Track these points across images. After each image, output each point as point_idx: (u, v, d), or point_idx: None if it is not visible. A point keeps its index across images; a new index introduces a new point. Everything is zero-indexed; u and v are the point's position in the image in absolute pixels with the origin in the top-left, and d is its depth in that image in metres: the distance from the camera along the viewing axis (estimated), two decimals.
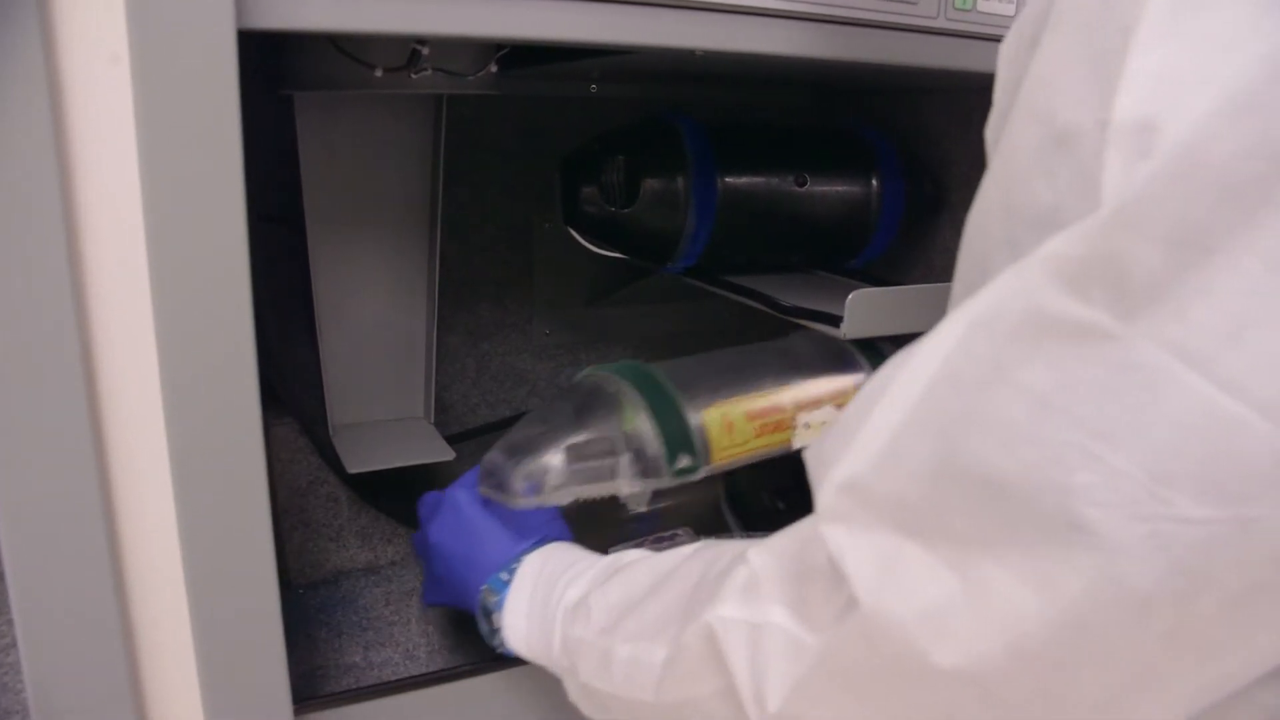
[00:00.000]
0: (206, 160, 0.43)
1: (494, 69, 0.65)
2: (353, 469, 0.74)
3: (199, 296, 0.44)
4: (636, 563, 0.52)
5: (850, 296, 0.65)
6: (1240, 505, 0.26)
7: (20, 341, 0.42)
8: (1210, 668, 0.30)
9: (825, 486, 0.35)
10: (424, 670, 0.65)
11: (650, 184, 0.79)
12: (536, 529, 0.61)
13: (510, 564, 0.59)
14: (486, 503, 0.62)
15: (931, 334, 0.33)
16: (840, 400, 0.69)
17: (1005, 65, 0.36)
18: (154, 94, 0.41)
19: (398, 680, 0.62)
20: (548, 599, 0.55)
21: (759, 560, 0.40)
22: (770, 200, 0.83)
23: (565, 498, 0.59)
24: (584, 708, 0.53)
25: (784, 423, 0.66)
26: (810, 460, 0.38)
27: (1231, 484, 0.26)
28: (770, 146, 0.86)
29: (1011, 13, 0.63)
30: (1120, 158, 0.27)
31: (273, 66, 0.64)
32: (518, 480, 0.58)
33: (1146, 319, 0.26)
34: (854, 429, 0.35)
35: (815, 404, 0.68)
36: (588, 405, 0.62)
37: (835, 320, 0.66)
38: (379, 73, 0.58)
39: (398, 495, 0.80)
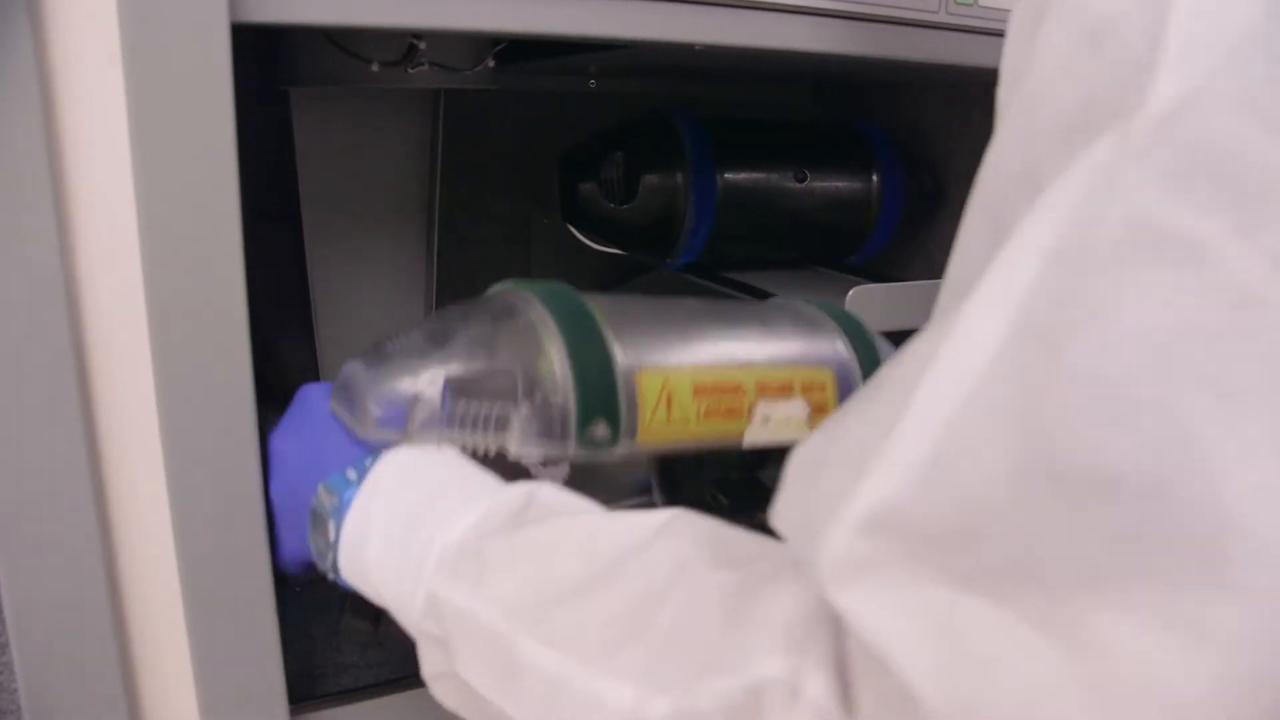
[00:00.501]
0: (200, 156, 0.42)
1: (491, 64, 0.65)
2: None
3: (192, 294, 0.44)
4: (561, 517, 0.38)
5: (850, 293, 0.64)
6: None
7: (13, 341, 0.42)
8: None
9: (834, 531, 0.24)
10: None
11: (649, 180, 0.78)
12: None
13: (363, 459, 0.43)
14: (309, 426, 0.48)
15: (981, 288, 0.23)
16: (817, 392, 0.54)
17: (1015, 25, 0.30)
18: (146, 88, 0.41)
19: (395, 679, 0.62)
20: (415, 524, 0.40)
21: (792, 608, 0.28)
22: (770, 196, 0.83)
23: (432, 441, 0.44)
24: (441, 694, 0.40)
25: (738, 410, 0.51)
26: (790, 499, 0.27)
27: None
28: (770, 142, 0.86)
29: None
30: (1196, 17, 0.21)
31: (269, 61, 0.64)
32: (374, 403, 0.43)
33: (1264, 231, 0.20)
34: (871, 438, 0.24)
35: (783, 391, 0.52)
36: (492, 329, 0.47)
37: None
38: (375, 67, 0.58)
39: None
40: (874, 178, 0.86)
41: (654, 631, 0.31)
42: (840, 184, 0.86)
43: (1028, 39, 0.27)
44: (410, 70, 0.58)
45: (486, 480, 0.42)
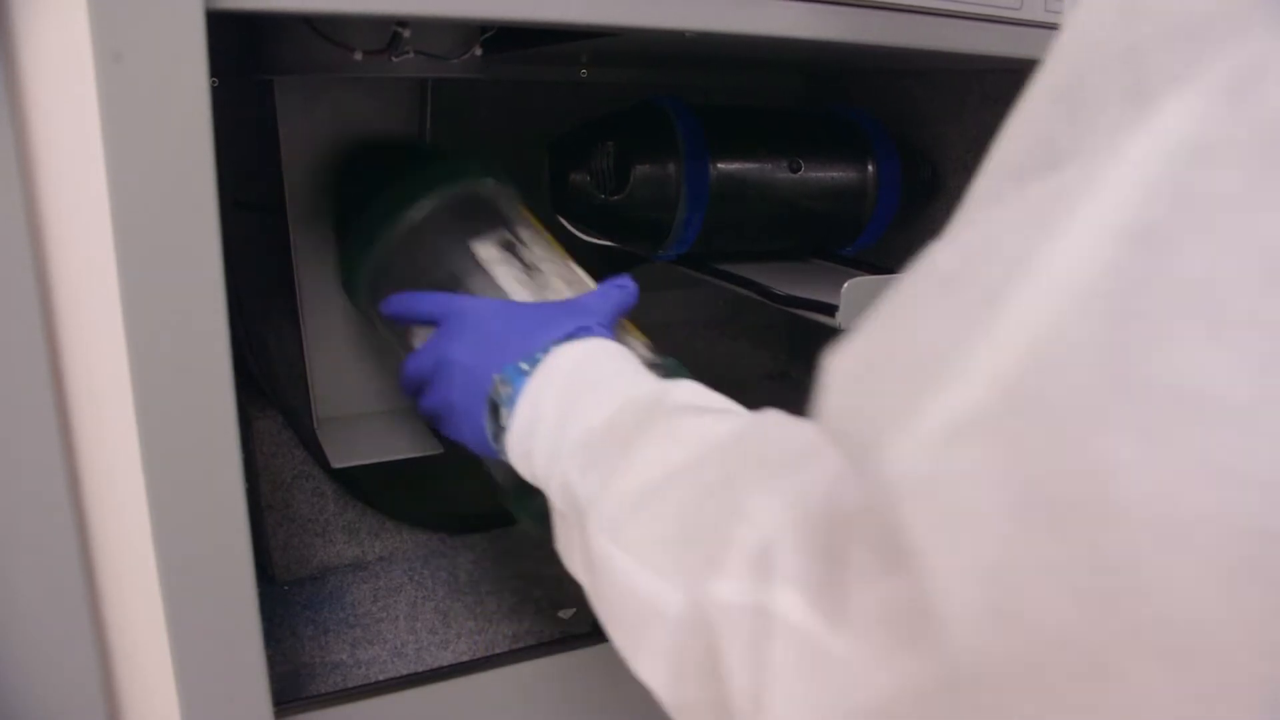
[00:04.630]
0: (175, 146, 0.41)
1: (478, 52, 0.63)
2: (337, 463, 0.73)
3: (169, 287, 0.43)
4: (673, 418, 0.39)
5: (846, 284, 0.64)
6: None
7: None
8: None
9: (905, 440, 0.22)
10: (412, 669, 0.64)
11: (641, 170, 0.77)
12: (577, 314, 0.49)
13: (535, 352, 0.46)
14: (516, 305, 0.52)
15: (1087, 193, 0.20)
16: None
17: None
18: (119, 78, 0.40)
19: (384, 680, 0.61)
20: (566, 415, 0.43)
21: (771, 519, 0.28)
22: (764, 186, 0.82)
23: None
24: (569, 567, 0.43)
25: None
26: (843, 401, 0.25)
27: None
28: (764, 131, 0.84)
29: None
30: None
31: (250, 51, 0.63)
32: None
33: None
34: (948, 342, 0.22)
35: None
36: None
37: (831, 309, 0.65)
38: (359, 56, 0.57)
39: (385, 489, 0.79)
40: (869, 167, 0.85)
41: (687, 529, 0.32)
42: (835, 173, 0.85)
43: None
44: (395, 59, 0.57)
45: (637, 376, 0.45)
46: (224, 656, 0.49)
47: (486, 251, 0.59)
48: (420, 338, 0.57)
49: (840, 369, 0.25)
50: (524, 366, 0.46)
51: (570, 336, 0.48)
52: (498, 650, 0.66)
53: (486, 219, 0.61)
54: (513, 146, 0.93)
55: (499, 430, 0.47)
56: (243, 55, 0.62)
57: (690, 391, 0.42)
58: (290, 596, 0.72)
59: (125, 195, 0.41)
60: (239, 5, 0.41)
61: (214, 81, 0.42)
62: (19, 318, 0.41)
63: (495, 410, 0.47)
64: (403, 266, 0.60)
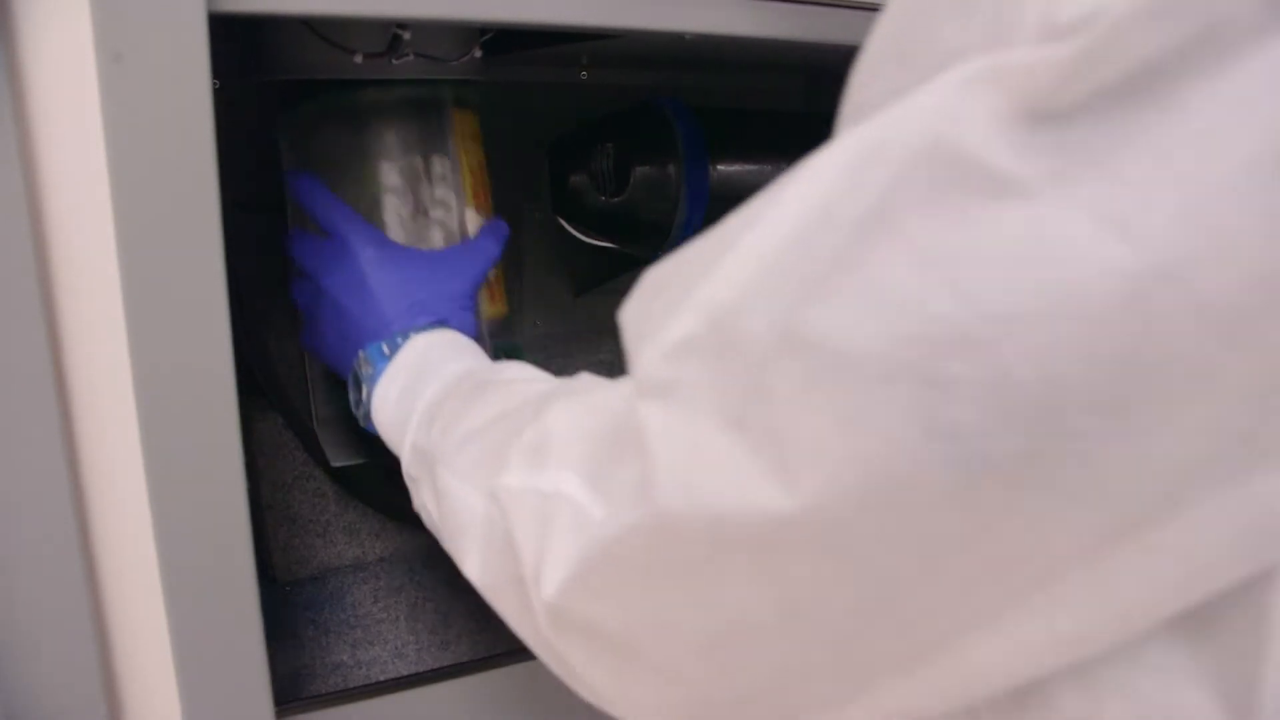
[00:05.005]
0: (177, 148, 0.41)
1: (478, 54, 0.64)
2: (336, 462, 0.73)
3: (171, 288, 0.43)
4: (509, 383, 0.47)
5: None
6: (1135, 414, 0.22)
7: None
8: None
9: (650, 348, 0.29)
10: (413, 669, 0.64)
11: (641, 172, 0.77)
12: (437, 308, 0.57)
13: (395, 336, 0.55)
14: (392, 262, 0.58)
15: (813, 159, 0.26)
16: None
17: None
18: (120, 79, 0.40)
19: (384, 681, 0.61)
20: (414, 391, 0.51)
21: (558, 422, 0.35)
22: (764, 188, 0.82)
23: None
24: (426, 522, 0.50)
25: None
26: (628, 319, 0.31)
27: (1136, 392, 0.21)
28: (764, 133, 0.85)
29: None
30: None
31: (252, 53, 0.63)
32: None
33: (1085, 183, 0.21)
34: (697, 273, 0.28)
35: None
36: None
37: None
38: (358, 59, 0.57)
39: (385, 490, 0.79)
40: None
41: (497, 446, 0.39)
42: None
43: None
44: (395, 61, 0.57)
45: (478, 357, 0.53)
46: (225, 657, 0.49)
47: (389, 177, 0.62)
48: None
49: (642, 283, 0.32)
50: (385, 350, 0.55)
51: (429, 326, 0.56)
52: (498, 651, 0.66)
53: (417, 137, 0.63)
54: (513, 148, 0.93)
55: (358, 402, 0.55)
56: (244, 58, 0.62)
57: (519, 369, 0.51)
58: (291, 597, 0.72)
59: (127, 196, 0.41)
60: (240, 7, 0.41)
61: (215, 83, 0.42)
62: (21, 318, 0.42)
63: (356, 379, 0.56)
64: (327, 141, 0.63)
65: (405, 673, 0.63)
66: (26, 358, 0.42)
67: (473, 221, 0.65)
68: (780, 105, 1.08)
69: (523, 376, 0.49)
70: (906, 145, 0.23)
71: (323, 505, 0.77)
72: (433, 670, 0.63)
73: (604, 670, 0.34)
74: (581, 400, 0.37)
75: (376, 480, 0.78)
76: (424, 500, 0.48)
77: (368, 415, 0.55)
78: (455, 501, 0.42)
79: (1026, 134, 0.22)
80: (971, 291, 0.22)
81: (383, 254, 0.58)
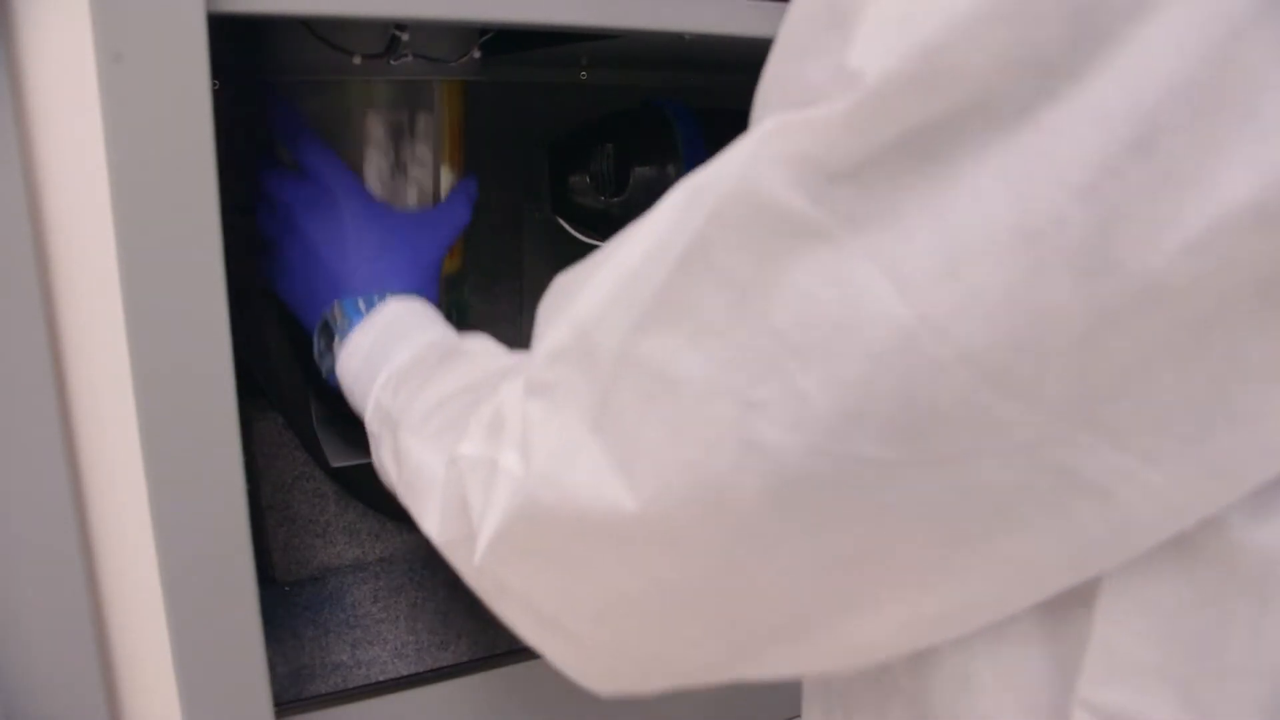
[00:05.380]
0: (177, 148, 0.41)
1: (477, 55, 0.64)
2: (336, 462, 0.73)
3: (170, 288, 0.43)
4: (473, 356, 0.50)
5: None
6: (927, 446, 0.24)
7: None
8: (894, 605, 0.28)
9: (537, 351, 0.33)
10: (413, 669, 0.64)
11: (641, 172, 0.77)
12: (412, 274, 0.59)
13: (372, 295, 0.57)
14: (375, 220, 0.59)
15: (664, 197, 0.30)
16: None
17: None
18: (120, 80, 0.40)
19: (385, 681, 0.61)
20: (384, 352, 0.53)
21: (509, 394, 0.37)
22: None
23: None
24: (382, 477, 0.53)
25: None
26: (538, 316, 0.36)
27: (922, 427, 0.24)
28: None
29: None
30: (878, 40, 0.23)
31: (251, 54, 0.63)
32: None
33: (870, 232, 0.23)
34: (573, 296, 0.32)
35: None
36: None
37: None
38: (357, 60, 0.57)
39: (385, 490, 0.79)
40: None
41: (459, 415, 0.42)
42: None
43: None
44: (393, 62, 0.57)
45: (445, 329, 0.55)
46: (225, 657, 0.49)
47: (374, 128, 0.62)
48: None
49: (551, 287, 0.35)
50: (361, 307, 0.56)
51: (404, 291, 0.58)
52: (498, 651, 0.66)
53: (405, 91, 0.63)
54: (513, 149, 0.93)
55: (324, 352, 0.57)
56: (243, 58, 0.62)
57: (482, 342, 0.53)
58: (291, 597, 0.72)
59: (127, 197, 0.41)
60: (239, 8, 0.41)
61: (215, 84, 0.42)
62: (21, 318, 0.42)
63: (325, 327, 0.57)
64: (316, 93, 0.63)
65: (405, 673, 0.63)
66: (26, 358, 0.42)
67: (446, 180, 0.66)
68: None
69: (485, 350, 0.52)
70: (720, 189, 0.26)
71: (322, 505, 0.77)
72: (433, 670, 0.63)
73: (529, 630, 0.38)
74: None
75: (376, 480, 0.78)
76: (383, 458, 0.51)
77: (331, 365, 0.57)
78: (418, 464, 0.44)
79: (825, 182, 0.24)
80: (776, 324, 0.24)
81: (367, 210, 0.59)
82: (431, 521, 0.43)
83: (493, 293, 0.98)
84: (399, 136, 0.63)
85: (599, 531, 0.30)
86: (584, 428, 0.30)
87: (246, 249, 0.60)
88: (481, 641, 0.68)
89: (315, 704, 0.57)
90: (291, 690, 0.60)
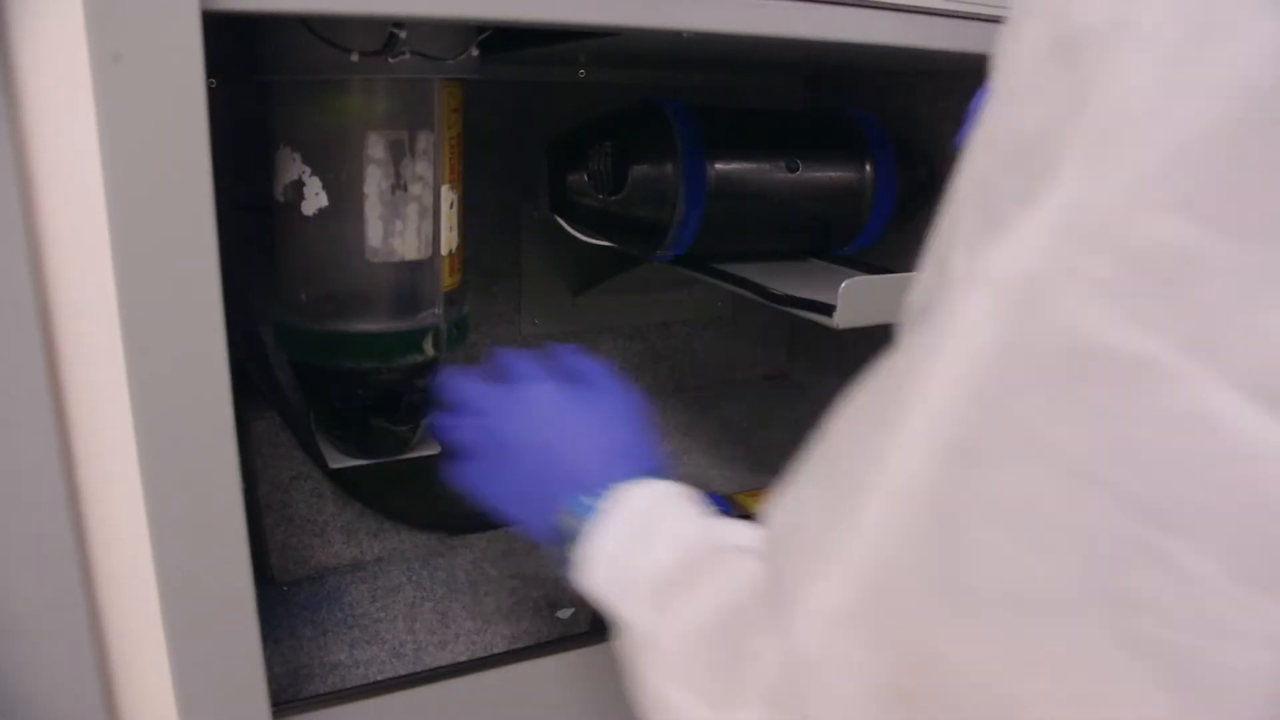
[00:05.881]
0: (172, 147, 0.41)
1: (476, 53, 0.63)
2: (335, 464, 0.73)
3: (165, 287, 0.43)
4: (728, 565, 0.42)
5: (843, 285, 0.64)
6: None
7: None
8: None
9: (797, 610, 0.28)
10: (411, 669, 0.64)
11: (639, 171, 0.77)
12: (637, 455, 0.52)
13: (598, 489, 0.50)
14: (584, 406, 0.54)
15: (923, 369, 0.24)
16: None
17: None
18: (116, 79, 0.39)
19: (382, 681, 0.61)
20: (632, 555, 0.46)
21: (778, 654, 0.32)
22: (762, 187, 0.82)
23: None
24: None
25: None
26: (772, 544, 0.30)
27: None
28: (761, 132, 0.84)
29: None
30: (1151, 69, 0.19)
31: (248, 52, 0.63)
32: None
33: (1223, 350, 0.19)
34: (821, 534, 0.27)
35: None
36: None
37: (829, 309, 0.65)
38: (355, 57, 0.57)
39: (383, 490, 0.79)
40: (867, 167, 0.85)
41: (718, 664, 0.36)
42: (833, 173, 0.85)
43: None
44: (391, 60, 0.57)
45: (691, 506, 0.48)
46: (222, 657, 0.49)
47: (375, 148, 0.62)
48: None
49: (767, 533, 0.32)
50: (586, 501, 0.50)
51: (636, 475, 0.51)
52: (496, 650, 0.66)
53: (406, 110, 0.63)
54: (512, 147, 0.93)
55: (564, 560, 0.50)
56: (240, 56, 0.62)
57: (738, 531, 0.45)
58: (288, 597, 0.72)
59: (122, 196, 0.41)
60: (235, 6, 0.41)
61: (211, 82, 0.42)
62: (16, 318, 0.41)
63: (562, 536, 0.51)
64: (317, 109, 0.63)
65: (403, 672, 0.63)
66: (21, 358, 0.42)
67: (445, 199, 0.66)
68: (779, 104, 1.08)
69: (742, 545, 0.43)
70: (1029, 354, 0.21)
71: (320, 505, 0.77)
72: (430, 670, 0.63)
73: None
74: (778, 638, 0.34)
75: (374, 480, 0.78)
76: (635, 674, 0.44)
77: (576, 574, 0.50)
78: (668, 702, 0.39)
79: (1148, 303, 0.19)
80: (1133, 496, 0.20)
81: (573, 396, 0.55)
82: None
83: (491, 292, 0.98)
84: (400, 156, 0.63)
85: None
86: (885, 706, 0.25)
87: (242, 248, 0.59)
88: (479, 641, 0.68)
89: (313, 704, 0.57)
90: (289, 690, 0.60)
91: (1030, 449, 0.21)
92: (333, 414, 0.73)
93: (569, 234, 0.84)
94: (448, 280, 0.69)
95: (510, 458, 0.54)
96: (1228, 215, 0.19)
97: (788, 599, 0.29)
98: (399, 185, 0.63)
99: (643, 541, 0.46)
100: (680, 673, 0.39)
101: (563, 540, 0.50)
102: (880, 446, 0.25)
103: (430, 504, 0.84)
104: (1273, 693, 0.20)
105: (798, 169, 0.82)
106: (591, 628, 0.67)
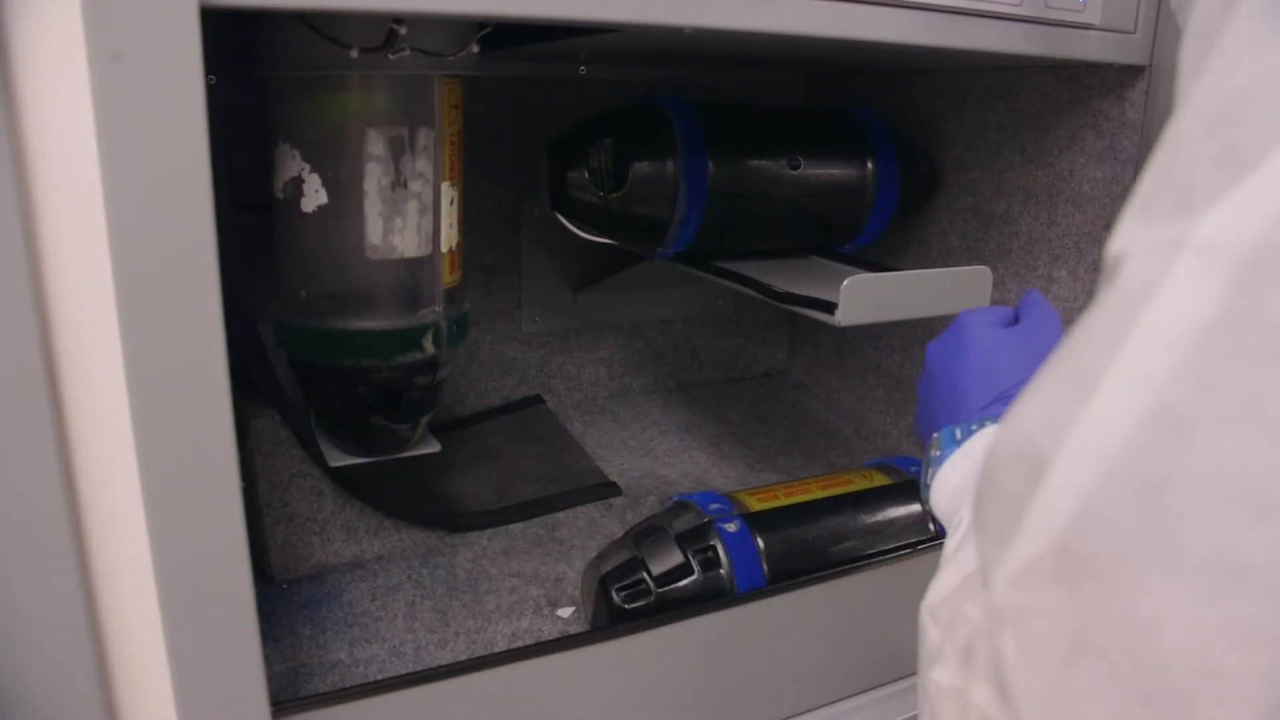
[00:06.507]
0: (170, 144, 0.41)
1: (476, 49, 0.63)
2: (334, 462, 0.73)
3: (164, 285, 0.42)
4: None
5: (845, 282, 0.63)
6: None
7: None
8: None
9: (995, 574, 0.27)
10: (411, 668, 0.64)
11: (639, 168, 0.77)
12: (1005, 381, 0.53)
13: (971, 423, 0.52)
14: (987, 349, 0.55)
15: (1130, 334, 0.24)
16: None
17: None
18: (114, 76, 0.39)
19: (382, 680, 0.61)
20: (966, 488, 0.47)
21: (974, 613, 0.32)
22: (763, 184, 0.81)
23: None
24: None
25: None
26: (978, 527, 0.30)
27: None
28: (763, 129, 0.84)
29: None
30: None
31: (248, 48, 0.62)
32: None
33: None
34: (1026, 491, 0.26)
35: None
36: None
37: (830, 307, 0.65)
38: (355, 53, 0.56)
39: (383, 488, 0.79)
40: (868, 164, 0.85)
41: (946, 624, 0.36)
42: (834, 171, 0.84)
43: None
44: (391, 56, 0.57)
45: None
46: (221, 656, 0.49)
47: (374, 145, 0.62)
48: None
49: (984, 473, 0.30)
50: (958, 435, 0.52)
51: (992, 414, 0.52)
52: (496, 649, 0.66)
53: (406, 107, 0.63)
54: (512, 145, 0.93)
55: (925, 485, 0.53)
56: (240, 53, 0.62)
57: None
58: (288, 596, 0.72)
59: (120, 193, 0.41)
60: (234, 2, 0.41)
61: (211, 79, 0.41)
62: (14, 316, 0.41)
63: (926, 461, 0.53)
64: (317, 106, 0.63)
65: (403, 671, 0.63)
66: (19, 356, 0.42)
67: (446, 195, 0.66)
68: (781, 101, 1.08)
69: None
70: (1255, 326, 0.21)
71: (320, 504, 0.77)
72: (430, 669, 0.62)
73: None
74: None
75: (374, 478, 0.78)
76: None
77: (928, 498, 0.52)
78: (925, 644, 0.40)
79: None
80: None
81: (982, 339, 0.56)
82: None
83: (491, 289, 0.98)
84: (400, 153, 0.63)
85: None
86: (1082, 662, 0.24)
87: (242, 246, 0.59)
88: (479, 640, 0.67)
89: (313, 703, 0.57)
90: (289, 689, 0.60)
91: (1253, 420, 0.21)
92: (332, 412, 0.73)
93: (569, 231, 0.84)
94: (448, 277, 0.69)
95: (925, 379, 0.57)
96: None
97: (989, 559, 0.29)
98: (399, 182, 0.63)
99: (964, 495, 0.47)
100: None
101: (926, 464, 0.53)
102: (1073, 413, 0.25)
103: (430, 502, 0.84)
104: None
105: (799, 166, 0.82)
106: (591, 627, 0.66)
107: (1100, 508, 0.23)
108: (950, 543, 0.42)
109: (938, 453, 0.52)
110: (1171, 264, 0.23)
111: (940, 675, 0.33)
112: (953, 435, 0.52)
